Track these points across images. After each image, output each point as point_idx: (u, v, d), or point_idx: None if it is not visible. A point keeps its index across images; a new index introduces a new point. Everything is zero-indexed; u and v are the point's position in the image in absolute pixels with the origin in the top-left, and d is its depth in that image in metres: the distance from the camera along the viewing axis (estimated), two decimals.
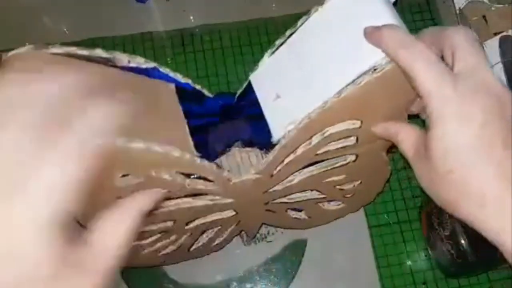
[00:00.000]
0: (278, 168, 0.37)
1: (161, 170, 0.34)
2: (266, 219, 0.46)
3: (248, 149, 0.40)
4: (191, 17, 0.58)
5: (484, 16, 0.58)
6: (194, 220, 0.41)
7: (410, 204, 0.52)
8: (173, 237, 0.43)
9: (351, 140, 0.36)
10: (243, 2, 0.58)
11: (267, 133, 0.36)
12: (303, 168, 0.39)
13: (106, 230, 0.23)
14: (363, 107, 0.33)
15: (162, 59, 0.56)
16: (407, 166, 0.32)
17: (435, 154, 0.27)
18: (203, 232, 0.44)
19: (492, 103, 0.26)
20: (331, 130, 0.34)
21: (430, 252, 0.49)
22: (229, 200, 0.39)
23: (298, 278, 0.49)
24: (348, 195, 0.43)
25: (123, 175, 0.35)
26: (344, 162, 0.39)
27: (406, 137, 0.31)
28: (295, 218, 0.46)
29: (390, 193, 0.52)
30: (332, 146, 0.36)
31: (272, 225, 0.50)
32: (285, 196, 0.41)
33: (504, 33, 0.58)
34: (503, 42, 0.57)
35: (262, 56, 0.37)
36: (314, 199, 0.43)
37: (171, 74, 0.37)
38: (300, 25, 0.35)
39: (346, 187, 0.42)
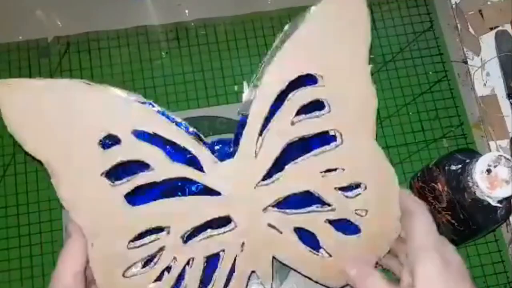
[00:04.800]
0: (259, 143, 0.39)
1: (142, 126, 0.37)
2: (274, 248, 0.41)
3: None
4: (186, 11, 0.57)
5: (480, 11, 0.58)
6: (191, 235, 0.40)
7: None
8: (169, 259, 0.40)
9: (325, 110, 0.40)
10: None
11: None
12: (293, 157, 0.40)
13: None
14: None
15: (156, 53, 0.56)
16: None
17: None
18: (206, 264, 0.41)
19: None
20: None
21: None
22: (221, 197, 0.39)
23: (292, 273, 0.48)
24: (359, 211, 0.41)
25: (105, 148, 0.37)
26: (330, 147, 0.40)
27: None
28: (311, 253, 0.41)
29: None
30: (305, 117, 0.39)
31: (288, 265, 0.43)
32: (280, 196, 0.40)
33: (500, 28, 0.58)
34: (499, 37, 0.57)
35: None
36: (319, 211, 0.41)
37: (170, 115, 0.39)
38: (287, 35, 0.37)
39: (350, 194, 0.41)
